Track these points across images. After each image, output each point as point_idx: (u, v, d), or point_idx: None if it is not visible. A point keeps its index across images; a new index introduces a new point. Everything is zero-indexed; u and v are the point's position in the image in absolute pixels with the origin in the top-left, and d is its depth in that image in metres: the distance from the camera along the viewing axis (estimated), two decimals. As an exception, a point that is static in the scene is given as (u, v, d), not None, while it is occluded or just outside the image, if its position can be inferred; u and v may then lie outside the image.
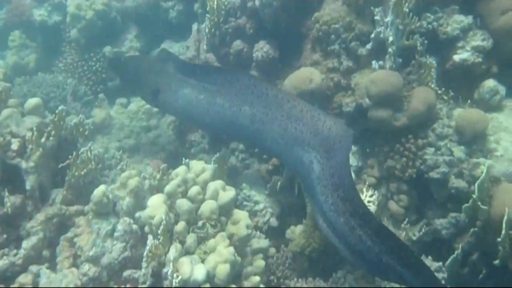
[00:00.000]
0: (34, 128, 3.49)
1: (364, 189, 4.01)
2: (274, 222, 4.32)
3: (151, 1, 5.58)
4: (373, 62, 3.97)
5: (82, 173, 3.66)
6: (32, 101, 3.80)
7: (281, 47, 4.85)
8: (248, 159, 5.04)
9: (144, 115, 5.48)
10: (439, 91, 3.74)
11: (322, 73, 4.46)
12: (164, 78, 4.08)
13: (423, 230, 3.77)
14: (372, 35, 4.06)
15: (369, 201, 3.95)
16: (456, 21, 3.75)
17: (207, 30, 4.87)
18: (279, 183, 4.28)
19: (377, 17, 3.93)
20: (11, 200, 3.15)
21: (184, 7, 5.55)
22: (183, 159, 4.00)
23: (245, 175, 4.88)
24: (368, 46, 4.18)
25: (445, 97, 3.74)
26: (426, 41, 3.76)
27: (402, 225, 3.80)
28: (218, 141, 5.17)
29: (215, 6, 4.78)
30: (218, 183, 3.52)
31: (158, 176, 3.68)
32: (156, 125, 5.48)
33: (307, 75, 4.37)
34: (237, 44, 4.93)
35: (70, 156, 3.61)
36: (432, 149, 3.65)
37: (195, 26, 5.34)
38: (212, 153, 5.20)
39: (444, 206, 3.71)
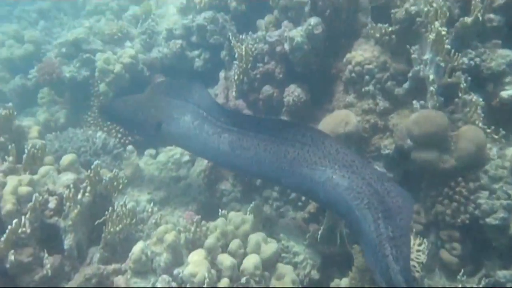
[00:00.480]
0: (71, 185, 3.48)
1: (412, 237, 3.83)
2: (315, 274, 4.13)
3: (177, 52, 5.70)
4: (414, 102, 3.90)
5: (118, 229, 3.60)
6: (68, 158, 3.82)
7: (311, 90, 4.87)
8: (282, 207, 4.96)
9: (173, 165, 5.46)
10: (488, 130, 3.62)
11: (357, 115, 4.41)
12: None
13: (483, 283, 3.52)
14: (410, 74, 4.03)
15: (418, 250, 3.76)
16: (501, 55, 3.69)
17: (236, 77, 4.92)
18: (319, 232, 4.14)
19: (414, 56, 3.90)
20: (50, 261, 3.10)
21: (210, 55, 5.64)
22: (220, 210, 3.94)
23: (281, 224, 4.76)
24: (405, 85, 4.14)
25: (495, 136, 3.61)
26: (469, 78, 3.69)
27: (458, 276, 3.57)
28: (250, 190, 5.13)
29: (243, 53, 4.85)
30: (259, 235, 3.42)
31: (192, 229, 3.61)
32: (185, 175, 5.45)
33: (342, 117, 4.33)
34: (267, 89, 4.96)
35: (106, 212, 3.56)
36: (486, 193, 3.49)
37: (222, 74, 5.41)
38: (244, 202, 5.13)
39: (506, 255, 3.50)
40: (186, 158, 5.50)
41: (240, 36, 5.20)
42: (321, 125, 4.48)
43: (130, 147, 5.54)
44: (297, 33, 4.50)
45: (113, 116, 4.92)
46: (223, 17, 5.39)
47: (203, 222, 3.67)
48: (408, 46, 4.04)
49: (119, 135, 5.63)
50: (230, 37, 5.11)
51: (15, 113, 4.03)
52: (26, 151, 3.63)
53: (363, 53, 4.42)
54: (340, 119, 4.32)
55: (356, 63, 4.42)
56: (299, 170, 3.44)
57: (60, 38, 6.13)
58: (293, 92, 4.74)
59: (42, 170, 3.64)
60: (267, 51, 4.91)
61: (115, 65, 5.60)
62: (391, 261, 2.94)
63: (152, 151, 5.59)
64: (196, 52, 5.74)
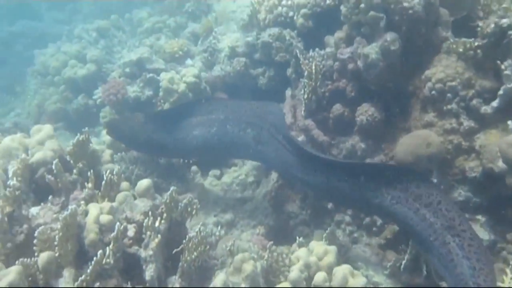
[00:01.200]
0: (150, 213, 3.50)
1: (508, 270, 3.59)
2: (400, 307, 3.97)
3: (241, 70, 5.70)
4: (509, 122, 3.68)
5: (193, 256, 3.58)
6: (143, 183, 3.85)
7: (385, 108, 4.72)
8: (356, 232, 4.82)
9: (238, 186, 5.45)
10: None
11: (438, 135, 4.23)
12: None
13: None
14: (501, 92, 3.82)
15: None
16: None
17: (305, 96, 4.85)
18: (402, 262, 3.97)
19: (507, 72, 3.70)
20: (133, 294, 3.11)
21: (275, 73, 5.60)
22: (297, 238, 3.86)
23: (355, 251, 4.62)
24: (494, 103, 3.93)
25: None
26: None
27: None
28: (319, 213, 5.01)
29: (313, 71, 4.77)
30: (346, 268, 3.30)
31: (266, 256, 3.55)
32: (251, 196, 5.42)
33: (423, 138, 4.16)
34: (337, 108, 4.86)
35: (184, 240, 3.56)
36: None
37: (288, 92, 5.36)
38: (313, 225, 5.03)
39: None
40: (251, 179, 5.48)
41: (308, 53, 5.13)
42: (400, 146, 4.33)
43: (194, 167, 5.57)
44: (372, 50, 4.37)
45: (119, 134, 5.16)
46: (290, 34, 5.34)
47: (275, 247, 3.62)
48: (498, 62, 3.83)
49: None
50: (298, 55, 5.06)
51: (91, 137, 4.12)
52: (104, 177, 3.69)
53: (444, 69, 4.23)
54: (421, 139, 4.16)
55: (437, 80, 4.24)
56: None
57: (124, 58, 6.28)
58: (367, 111, 4.60)
59: (120, 196, 3.68)
60: (338, 68, 4.81)
61: (179, 84, 5.66)
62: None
63: (216, 172, 5.60)
64: (260, 70, 5.72)
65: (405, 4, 4.23)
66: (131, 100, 5.85)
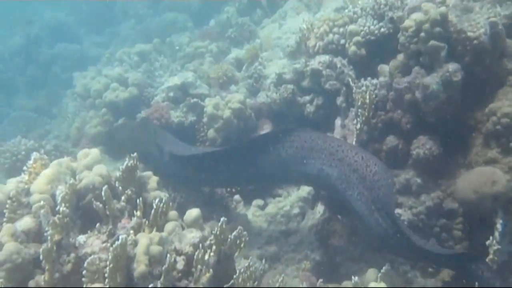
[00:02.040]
0: (200, 245, 3.41)
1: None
2: None
3: (288, 97, 5.65)
4: None
5: (243, 293, 3.46)
6: (193, 213, 3.79)
7: (443, 142, 4.56)
8: (409, 272, 4.61)
9: (283, 218, 5.32)
10: None
11: (504, 172, 4.04)
12: None
13: None
14: None
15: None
16: None
17: (358, 126, 4.74)
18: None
19: None
20: (184, 333, 3.00)
21: (323, 101, 5.52)
22: (353, 277, 3.70)
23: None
24: None
25: None
26: None
27: None
28: (369, 248, 4.83)
29: (367, 100, 4.67)
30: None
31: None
32: (296, 229, 5.28)
33: (487, 175, 4.00)
34: (391, 140, 4.73)
35: (234, 276, 3.44)
36: None
37: (338, 121, 5.27)
38: (362, 262, 4.84)
39: None
40: (296, 210, 5.36)
41: (359, 82, 5.06)
42: (461, 183, 4.18)
43: (237, 197, 5.51)
44: (433, 80, 4.26)
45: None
46: (341, 62, 5.28)
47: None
48: None
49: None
50: (350, 83, 4.98)
51: (138, 163, 4.10)
52: (153, 205, 3.63)
53: (511, 103, 4.07)
54: (485, 177, 4.00)
55: (502, 114, 4.08)
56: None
57: (167, 82, 6.33)
58: (424, 145, 4.46)
59: (169, 226, 3.61)
60: (393, 99, 4.71)
61: (224, 110, 5.65)
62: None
63: (260, 202, 5.50)
64: (308, 98, 5.65)
65: (470, 34, 4.13)
66: (174, 125, 5.86)
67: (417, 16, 4.36)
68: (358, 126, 4.73)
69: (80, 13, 16.67)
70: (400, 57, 4.77)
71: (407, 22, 4.49)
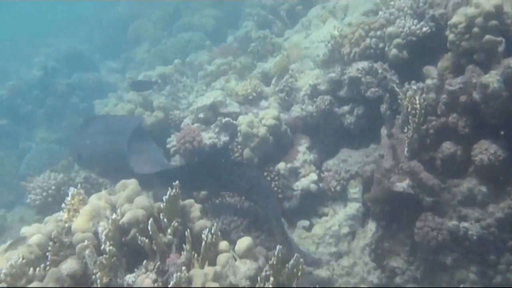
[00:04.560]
0: (258, 278, 3.11)
1: None
2: None
3: (325, 109, 5.36)
4: None
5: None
6: (244, 242, 3.49)
7: (509, 145, 4.20)
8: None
9: (332, 239, 4.98)
10: None
11: None
12: None
13: None
14: None
15: None
16: None
17: (410, 135, 4.41)
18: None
19: None
20: None
21: (364, 110, 5.22)
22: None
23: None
24: None
25: None
26: None
27: None
28: (433, 269, 4.46)
29: (417, 106, 4.35)
30: None
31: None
32: (347, 250, 4.93)
33: None
34: (447, 146, 4.38)
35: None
36: None
37: (384, 131, 4.94)
38: (426, 283, 4.47)
39: None
40: (346, 230, 5.02)
41: (404, 87, 4.75)
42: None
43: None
44: (492, 78, 3.92)
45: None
46: (383, 67, 4.98)
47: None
48: None
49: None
50: (395, 89, 4.68)
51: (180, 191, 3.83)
52: (203, 237, 3.35)
53: None
54: None
55: None
56: None
57: (196, 103, 6.09)
58: (487, 149, 4.09)
59: (222, 259, 3.32)
60: (445, 102, 4.37)
61: (259, 128, 5.37)
62: None
63: (305, 223, 5.18)
64: (346, 108, 5.36)
65: (531, 24, 3.80)
66: (207, 147, 5.59)
67: (468, 10, 4.06)
68: (410, 134, 4.40)
69: (93, 41, 16.75)
70: (449, 56, 4.45)
71: (455, 18, 4.19)
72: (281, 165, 5.42)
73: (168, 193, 3.66)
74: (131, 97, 7.56)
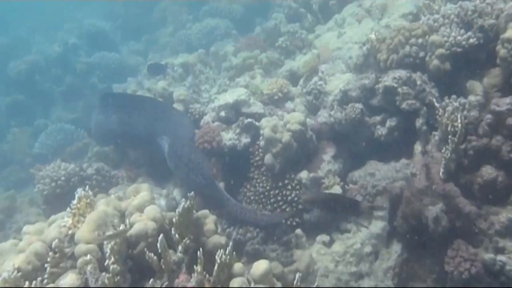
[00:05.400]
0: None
1: None
2: None
3: (355, 117, 5.05)
4: None
5: None
6: (261, 266, 3.27)
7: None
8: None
9: (352, 257, 4.73)
10: None
11: None
12: None
13: None
14: None
15: None
16: None
17: (448, 155, 4.10)
18: None
19: None
20: None
21: (397, 123, 4.90)
22: None
23: None
24: None
25: None
26: None
27: None
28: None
29: (458, 124, 4.04)
30: None
31: None
32: (368, 271, 4.68)
33: None
34: (488, 171, 4.08)
35: None
36: None
37: (418, 147, 4.65)
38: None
39: None
40: (368, 249, 4.76)
41: (444, 101, 4.43)
42: None
43: (298, 231, 4.97)
44: (547, 104, 3.58)
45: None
46: (422, 78, 4.65)
47: None
48: None
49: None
50: (435, 103, 4.35)
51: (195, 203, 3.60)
52: (217, 259, 3.13)
53: None
54: None
55: None
56: None
57: (218, 100, 5.83)
58: (533, 179, 3.78)
59: (235, 283, 3.10)
60: (490, 122, 4.05)
61: (283, 133, 5.11)
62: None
63: (325, 238, 4.93)
64: (378, 118, 5.05)
65: None
66: (227, 148, 5.34)
67: (525, 25, 3.71)
68: (448, 155, 4.09)
69: (117, 18, 16.54)
70: (498, 72, 4.13)
71: (510, 32, 3.84)
72: (304, 174, 5.16)
73: (181, 205, 3.45)
74: (151, 86, 7.35)
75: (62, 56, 12.99)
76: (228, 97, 5.71)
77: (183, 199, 3.55)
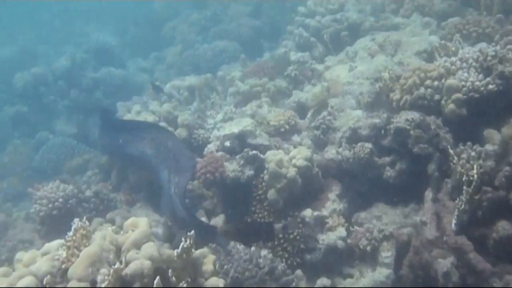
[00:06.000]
0: None
1: None
2: None
3: (364, 157, 4.88)
4: None
5: None
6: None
7: None
8: None
9: (356, 304, 4.51)
10: None
11: None
12: None
13: None
14: None
15: None
16: None
17: (461, 206, 3.92)
18: None
19: None
20: None
21: (408, 166, 4.73)
22: None
23: None
24: None
25: None
26: None
27: None
28: None
29: (473, 174, 3.86)
30: None
31: None
32: (370, 320, 4.45)
33: None
34: (503, 226, 3.88)
35: None
36: None
37: (429, 194, 4.45)
38: None
39: None
40: (372, 296, 4.52)
41: (458, 148, 4.27)
42: None
43: (299, 271, 4.76)
44: None
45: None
46: (436, 122, 4.50)
47: None
48: None
49: (286, 255, 4.86)
50: (449, 150, 4.19)
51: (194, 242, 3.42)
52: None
53: None
54: None
55: None
56: None
57: (224, 129, 5.69)
58: (553, 238, 3.59)
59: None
60: (508, 175, 3.87)
61: (289, 168, 4.94)
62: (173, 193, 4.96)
63: (326, 281, 4.72)
64: (388, 159, 4.88)
65: None
66: (229, 179, 5.17)
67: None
68: (461, 205, 3.91)
69: (125, 34, 16.55)
70: (515, 122, 3.96)
71: (531, 83, 3.70)
72: (308, 212, 4.98)
73: (181, 245, 3.26)
74: (155, 108, 7.22)
75: (69, 69, 12.89)
76: (234, 127, 5.57)
77: (183, 239, 3.34)
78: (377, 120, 4.96)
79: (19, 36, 19.92)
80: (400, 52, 6.24)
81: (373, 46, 6.72)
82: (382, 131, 4.89)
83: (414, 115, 4.60)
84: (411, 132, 4.57)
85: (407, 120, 4.62)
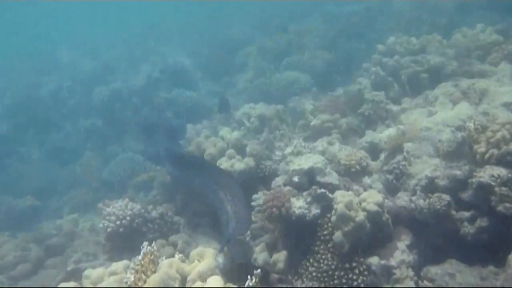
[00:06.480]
0: None
1: None
2: None
3: (440, 209, 4.64)
4: None
5: None
6: None
7: None
8: None
9: None
10: None
11: None
12: None
13: None
14: None
15: None
16: None
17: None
18: None
19: None
20: None
21: (489, 224, 4.44)
22: None
23: None
24: None
25: None
26: None
27: None
28: None
29: None
30: None
31: None
32: None
33: None
34: None
35: None
36: None
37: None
38: None
39: None
40: None
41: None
42: None
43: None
44: None
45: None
46: (525, 182, 4.21)
47: None
48: None
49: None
50: (539, 214, 3.88)
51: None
52: None
53: None
54: None
55: None
56: None
57: (293, 164, 5.63)
58: None
59: None
60: None
61: (358, 211, 4.78)
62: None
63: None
64: (467, 214, 4.61)
65: None
66: (295, 216, 5.08)
67: None
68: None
69: (199, 56, 17.07)
70: None
71: None
72: (374, 260, 4.76)
73: (247, 283, 3.20)
74: (225, 135, 7.30)
75: (144, 88, 13.49)
76: (303, 162, 5.49)
77: (249, 277, 3.29)
78: (457, 172, 4.71)
79: (101, 52, 21.17)
80: (486, 102, 5.94)
81: (456, 92, 6.45)
82: (462, 184, 4.63)
83: (501, 171, 4.33)
84: (496, 189, 4.30)
85: (492, 176, 4.35)
